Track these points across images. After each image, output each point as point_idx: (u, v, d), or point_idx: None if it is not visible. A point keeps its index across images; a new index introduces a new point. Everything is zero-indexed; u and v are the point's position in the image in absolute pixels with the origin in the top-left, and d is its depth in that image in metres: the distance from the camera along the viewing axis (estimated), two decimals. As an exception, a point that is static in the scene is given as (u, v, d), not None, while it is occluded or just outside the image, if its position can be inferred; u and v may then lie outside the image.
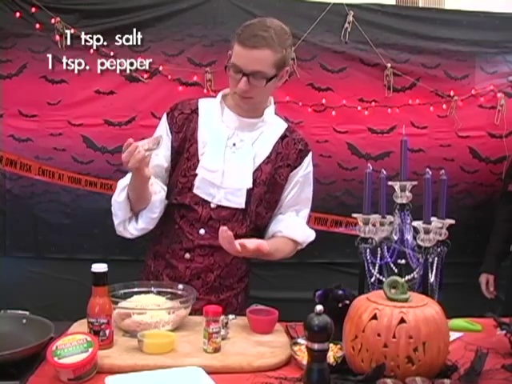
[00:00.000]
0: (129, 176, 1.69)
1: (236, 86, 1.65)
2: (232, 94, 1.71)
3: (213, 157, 1.72)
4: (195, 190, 1.73)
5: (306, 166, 1.83)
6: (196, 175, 1.73)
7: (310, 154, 1.84)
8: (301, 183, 1.82)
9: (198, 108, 1.78)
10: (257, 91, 1.65)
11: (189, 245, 1.76)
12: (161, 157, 1.76)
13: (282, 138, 1.80)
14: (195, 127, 1.75)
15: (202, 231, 1.75)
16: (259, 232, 1.82)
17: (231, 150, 1.74)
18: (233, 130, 1.75)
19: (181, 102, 1.81)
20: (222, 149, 1.73)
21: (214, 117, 1.76)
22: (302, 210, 1.85)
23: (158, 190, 1.74)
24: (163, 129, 1.78)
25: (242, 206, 1.74)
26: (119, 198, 1.71)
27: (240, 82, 1.62)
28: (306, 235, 1.85)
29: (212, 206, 1.74)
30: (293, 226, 1.81)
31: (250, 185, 1.73)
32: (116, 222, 1.75)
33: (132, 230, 1.76)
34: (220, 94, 1.80)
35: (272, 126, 1.79)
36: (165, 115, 1.80)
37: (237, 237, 1.62)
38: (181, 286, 1.64)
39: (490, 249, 2.90)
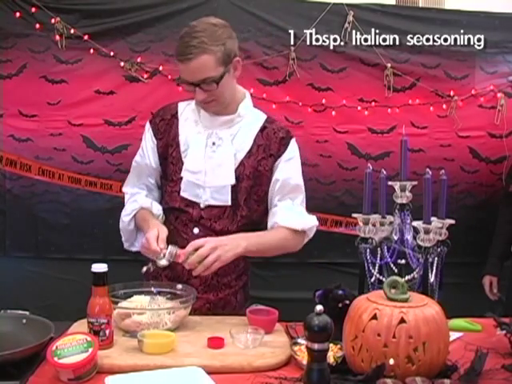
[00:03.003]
0: (138, 205, 1.81)
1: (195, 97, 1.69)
2: (197, 103, 1.74)
3: (194, 158, 1.74)
4: (182, 193, 1.76)
5: (290, 151, 1.79)
6: (182, 178, 1.75)
7: (293, 140, 1.81)
8: (287, 169, 1.78)
9: (177, 112, 1.81)
10: (215, 94, 1.66)
11: (184, 244, 1.72)
12: (151, 159, 1.82)
13: (262, 129, 1.78)
14: (176, 132, 1.78)
15: (195, 230, 1.76)
16: (256, 227, 1.80)
17: (211, 149, 1.75)
18: (211, 129, 1.75)
19: (162, 108, 1.84)
20: (203, 149, 1.74)
21: (191, 119, 1.78)
22: (296, 197, 1.80)
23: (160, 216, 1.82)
24: (148, 137, 1.82)
25: (228, 203, 1.74)
26: (129, 226, 1.84)
27: (196, 94, 1.66)
28: (305, 221, 1.79)
29: (202, 206, 1.76)
30: (287, 214, 1.77)
31: (232, 181, 1.73)
32: (123, 239, 1.88)
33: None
34: None
35: (250, 120, 1.78)
36: (148, 123, 1.84)
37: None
38: (179, 286, 1.66)
39: (493, 250, 2.88)
